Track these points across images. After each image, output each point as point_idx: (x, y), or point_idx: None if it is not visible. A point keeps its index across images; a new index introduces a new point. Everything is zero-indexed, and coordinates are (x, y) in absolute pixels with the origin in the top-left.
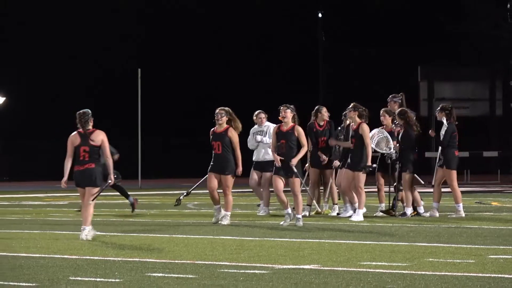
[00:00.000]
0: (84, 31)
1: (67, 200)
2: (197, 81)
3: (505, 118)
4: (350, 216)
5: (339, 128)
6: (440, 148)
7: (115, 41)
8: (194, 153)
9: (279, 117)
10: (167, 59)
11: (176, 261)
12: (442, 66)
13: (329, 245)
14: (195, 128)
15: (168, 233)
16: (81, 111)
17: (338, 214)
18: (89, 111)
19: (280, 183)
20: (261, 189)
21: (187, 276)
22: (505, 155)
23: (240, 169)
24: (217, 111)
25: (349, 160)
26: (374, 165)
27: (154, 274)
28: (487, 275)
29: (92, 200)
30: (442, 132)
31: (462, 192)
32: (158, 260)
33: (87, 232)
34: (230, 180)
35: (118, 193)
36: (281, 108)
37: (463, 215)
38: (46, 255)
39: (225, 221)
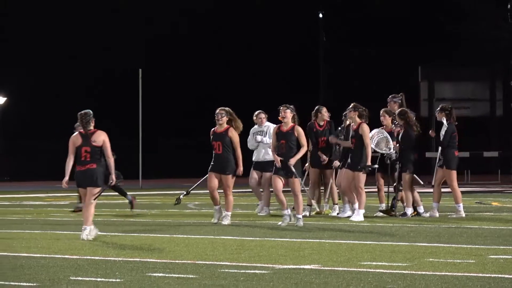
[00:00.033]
0: (84, 31)
1: (68, 200)
2: (197, 81)
3: (505, 118)
4: (348, 217)
5: (339, 128)
6: (440, 148)
7: (115, 41)
8: (194, 153)
9: (279, 117)
10: (167, 59)
11: (177, 261)
12: (443, 66)
13: (329, 245)
14: (195, 128)
15: (169, 233)
16: (82, 111)
17: (338, 214)
18: (91, 112)
19: (279, 183)
20: (261, 189)
21: (187, 276)
22: (505, 155)
23: (240, 169)
24: (217, 111)
25: (349, 160)
26: (376, 166)
27: (154, 274)
28: (487, 275)
29: (94, 199)
30: (442, 132)
31: (463, 192)
32: (158, 260)
33: (88, 232)
34: (230, 180)
35: (118, 193)
36: (281, 108)
37: (464, 215)
38: (47, 255)
39: (226, 221)
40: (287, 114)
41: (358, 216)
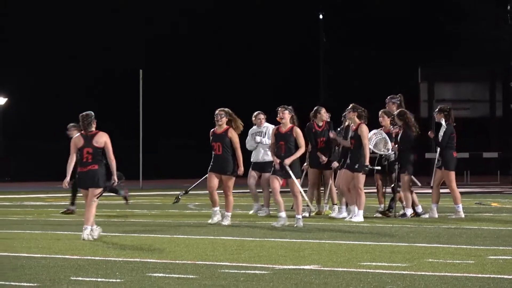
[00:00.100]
0: (84, 31)
1: (68, 200)
2: (197, 81)
3: (505, 119)
4: (343, 218)
5: (339, 129)
6: (438, 149)
7: (115, 41)
8: (194, 153)
9: (277, 118)
10: (167, 59)
11: (177, 262)
12: (442, 68)
13: (329, 245)
14: (195, 128)
15: (169, 233)
16: (84, 113)
17: (332, 214)
18: (92, 113)
19: (277, 183)
20: (259, 191)
21: (187, 276)
22: (505, 156)
23: (241, 169)
24: (216, 112)
25: (348, 161)
26: (378, 168)
27: (155, 274)
28: (487, 275)
29: (97, 198)
30: (441, 133)
31: (462, 193)
32: (159, 261)
33: (89, 232)
34: (231, 180)
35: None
36: (279, 109)
37: (463, 216)
38: (48, 255)
39: (226, 222)
40: (285, 115)
41: (358, 216)
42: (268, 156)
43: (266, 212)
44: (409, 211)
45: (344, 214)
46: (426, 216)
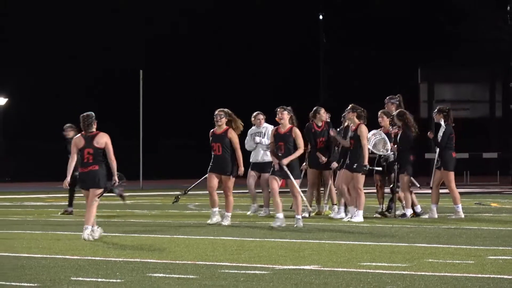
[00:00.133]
0: (84, 31)
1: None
2: (197, 81)
3: (504, 119)
4: (341, 218)
5: (338, 129)
6: (437, 150)
7: (115, 41)
8: (194, 153)
9: (276, 119)
10: (167, 59)
11: (177, 262)
12: (442, 68)
13: (329, 245)
14: (195, 128)
15: (169, 233)
16: (84, 114)
17: (331, 214)
18: (93, 114)
19: (275, 184)
20: (258, 191)
21: (188, 276)
22: (504, 157)
23: (241, 169)
24: (216, 112)
25: (347, 161)
26: (379, 168)
27: (155, 275)
28: (486, 276)
29: (98, 197)
30: (440, 134)
31: (462, 193)
32: (159, 261)
33: (89, 232)
34: (231, 180)
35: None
36: (278, 110)
37: (463, 216)
38: (48, 256)
39: (226, 222)
40: (284, 116)
41: (358, 217)
42: (268, 157)
43: (266, 213)
44: (409, 212)
45: (342, 214)
46: (426, 216)
